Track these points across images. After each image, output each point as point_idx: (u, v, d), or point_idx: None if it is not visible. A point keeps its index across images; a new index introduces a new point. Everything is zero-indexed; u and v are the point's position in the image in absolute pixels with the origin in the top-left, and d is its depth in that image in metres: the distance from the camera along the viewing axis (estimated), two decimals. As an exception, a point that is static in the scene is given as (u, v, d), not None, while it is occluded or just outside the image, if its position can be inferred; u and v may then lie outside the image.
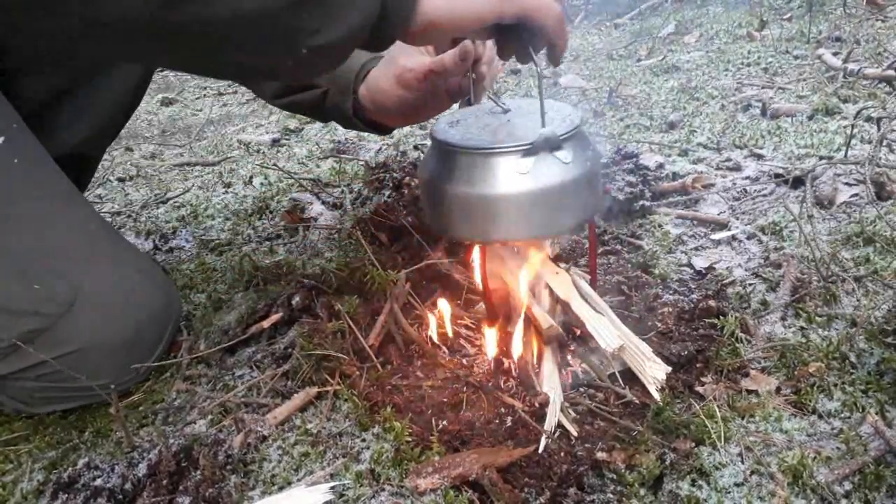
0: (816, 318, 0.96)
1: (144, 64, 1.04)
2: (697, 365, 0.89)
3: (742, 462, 0.74)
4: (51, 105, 0.99)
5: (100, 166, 1.35)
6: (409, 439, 0.79)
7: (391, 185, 1.47)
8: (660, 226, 1.29)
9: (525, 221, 0.80)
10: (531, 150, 0.77)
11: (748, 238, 1.22)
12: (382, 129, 1.16)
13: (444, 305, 0.98)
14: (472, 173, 0.80)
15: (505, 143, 0.78)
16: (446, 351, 0.97)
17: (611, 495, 0.72)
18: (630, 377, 0.87)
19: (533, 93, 2.32)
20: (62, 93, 0.99)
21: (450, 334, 0.98)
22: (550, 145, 0.77)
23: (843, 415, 0.80)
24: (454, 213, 0.83)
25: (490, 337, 0.93)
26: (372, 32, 0.64)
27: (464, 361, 0.95)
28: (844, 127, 1.61)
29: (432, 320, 0.98)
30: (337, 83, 1.08)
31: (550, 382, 0.86)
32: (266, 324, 1.01)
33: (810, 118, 1.73)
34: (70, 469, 0.81)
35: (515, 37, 0.74)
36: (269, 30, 0.59)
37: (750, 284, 1.07)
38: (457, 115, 0.91)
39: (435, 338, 0.97)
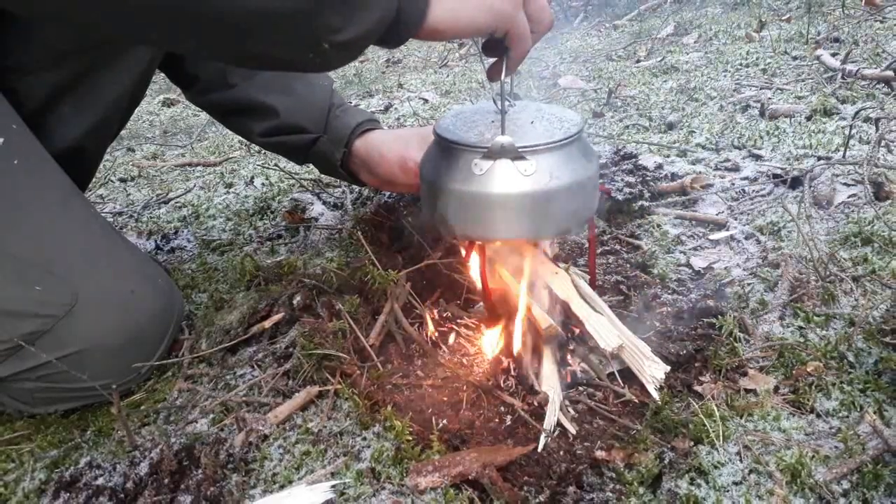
0: (814, 317, 0.96)
1: (166, 49, 1.06)
2: (696, 364, 0.90)
3: (740, 461, 0.74)
4: (51, 103, 0.99)
5: (101, 167, 1.36)
6: (410, 438, 0.79)
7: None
8: (658, 226, 1.29)
9: (472, 220, 0.81)
10: (488, 154, 0.77)
11: (746, 238, 1.22)
12: (358, 181, 1.28)
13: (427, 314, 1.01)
14: (440, 161, 0.83)
15: (468, 140, 0.79)
16: (446, 350, 0.98)
17: (609, 494, 0.72)
18: (629, 376, 0.87)
19: (532, 99, 2.33)
20: (63, 91, 0.99)
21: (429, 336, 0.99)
22: (509, 154, 0.77)
23: (841, 414, 0.80)
24: (422, 192, 0.88)
25: (490, 336, 0.94)
26: (386, 33, 0.70)
27: (464, 361, 0.95)
28: (843, 127, 1.61)
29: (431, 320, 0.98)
30: (331, 134, 1.21)
31: (550, 381, 0.86)
32: (267, 323, 1.02)
33: (808, 119, 1.73)
34: (72, 468, 0.82)
35: (499, 52, 0.79)
36: (296, 26, 0.63)
37: (748, 284, 1.07)
38: (480, 105, 0.91)
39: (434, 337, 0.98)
